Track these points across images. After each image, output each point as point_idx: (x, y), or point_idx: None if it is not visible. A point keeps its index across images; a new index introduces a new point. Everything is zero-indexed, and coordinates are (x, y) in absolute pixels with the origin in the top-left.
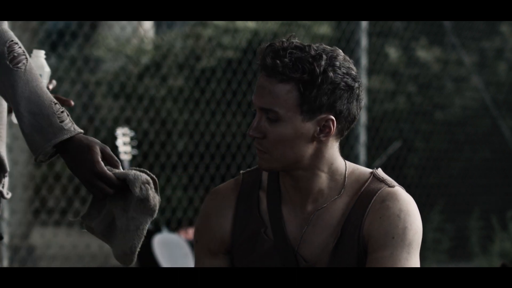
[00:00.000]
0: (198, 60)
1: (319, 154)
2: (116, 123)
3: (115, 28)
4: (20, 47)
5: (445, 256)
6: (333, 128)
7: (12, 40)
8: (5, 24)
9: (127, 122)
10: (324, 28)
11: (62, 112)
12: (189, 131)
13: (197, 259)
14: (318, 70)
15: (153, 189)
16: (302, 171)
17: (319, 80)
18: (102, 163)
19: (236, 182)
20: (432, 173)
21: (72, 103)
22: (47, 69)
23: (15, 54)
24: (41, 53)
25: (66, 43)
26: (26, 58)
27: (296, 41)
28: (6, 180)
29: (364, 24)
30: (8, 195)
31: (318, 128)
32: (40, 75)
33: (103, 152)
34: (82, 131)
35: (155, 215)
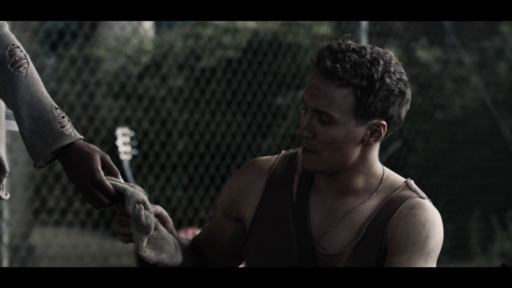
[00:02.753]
0: (198, 60)
1: (363, 156)
2: (116, 123)
3: (115, 28)
4: (21, 51)
5: (445, 256)
6: (383, 132)
7: (14, 44)
8: (6, 27)
9: (127, 122)
10: (324, 28)
11: (63, 117)
12: (189, 131)
13: (216, 211)
14: (376, 76)
15: (149, 209)
16: (343, 172)
17: (377, 87)
18: (102, 172)
19: (275, 158)
20: (432, 173)
21: None
22: None
23: (17, 58)
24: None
25: (66, 43)
26: (28, 62)
27: (352, 42)
28: (5, 181)
29: (364, 24)
30: (6, 196)
31: (369, 132)
32: None
33: (103, 161)
34: (82, 137)
35: (151, 233)
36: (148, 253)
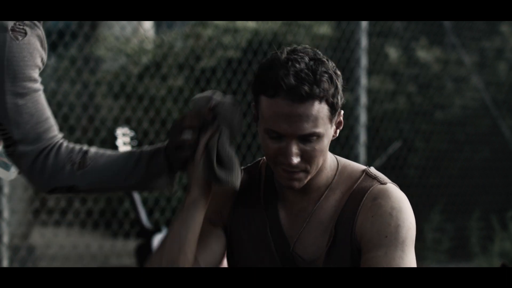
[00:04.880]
0: (198, 60)
1: (327, 151)
2: (116, 123)
3: (115, 28)
4: (77, 153)
5: (445, 256)
6: (342, 119)
7: (70, 154)
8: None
9: (127, 122)
10: (324, 28)
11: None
12: None
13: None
14: (334, 76)
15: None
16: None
17: (338, 85)
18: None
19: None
20: (432, 173)
21: None
22: None
23: (78, 160)
24: None
25: (66, 43)
26: (87, 152)
27: (289, 56)
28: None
29: (364, 24)
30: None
31: (335, 126)
32: None
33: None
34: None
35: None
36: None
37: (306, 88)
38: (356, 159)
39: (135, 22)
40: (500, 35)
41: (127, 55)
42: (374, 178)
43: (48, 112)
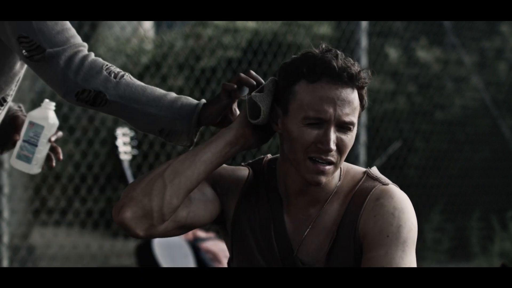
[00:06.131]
0: (198, 60)
1: None
2: (116, 123)
3: (115, 28)
4: (116, 68)
5: (445, 256)
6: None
7: (107, 65)
8: (92, 53)
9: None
10: (324, 28)
11: (178, 97)
12: None
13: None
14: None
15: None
16: None
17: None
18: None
19: (247, 175)
20: (432, 173)
21: (61, 156)
22: (51, 121)
23: (116, 71)
24: (51, 105)
25: None
26: (125, 73)
27: (329, 48)
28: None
29: (364, 24)
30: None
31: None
32: (43, 127)
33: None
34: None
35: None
36: None
37: (354, 70)
38: (356, 159)
39: (135, 22)
40: (500, 35)
41: (127, 55)
42: (376, 179)
43: (69, 24)
